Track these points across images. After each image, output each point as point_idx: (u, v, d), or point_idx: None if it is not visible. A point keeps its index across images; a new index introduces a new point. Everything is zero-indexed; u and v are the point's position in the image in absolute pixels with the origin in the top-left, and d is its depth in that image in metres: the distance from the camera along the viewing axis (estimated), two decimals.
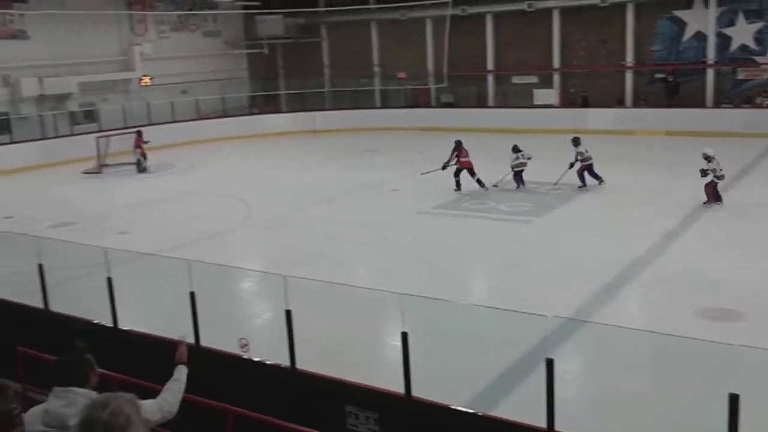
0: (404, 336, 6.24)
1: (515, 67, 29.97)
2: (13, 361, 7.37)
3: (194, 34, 32.24)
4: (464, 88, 30.95)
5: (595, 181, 17.43)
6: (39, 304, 8.48)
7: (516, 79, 30.17)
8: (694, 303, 9.73)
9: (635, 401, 7.09)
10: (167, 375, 7.22)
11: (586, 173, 17.41)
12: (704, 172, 15.00)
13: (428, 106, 31.52)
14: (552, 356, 5.61)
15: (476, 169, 17.78)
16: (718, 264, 11.42)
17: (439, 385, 7.06)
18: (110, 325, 7.93)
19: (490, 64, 30.42)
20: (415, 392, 6.30)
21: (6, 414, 3.86)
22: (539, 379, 5.67)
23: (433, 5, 29.53)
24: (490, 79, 30.61)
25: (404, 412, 6.32)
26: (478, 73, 30.57)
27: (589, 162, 17.49)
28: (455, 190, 17.68)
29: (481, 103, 30.64)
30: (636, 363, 7.31)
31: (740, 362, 5.12)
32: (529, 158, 17.87)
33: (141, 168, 22.66)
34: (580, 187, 17.25)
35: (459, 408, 6.15)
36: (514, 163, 17.99)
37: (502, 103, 30.23)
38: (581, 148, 17.60)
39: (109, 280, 7.90)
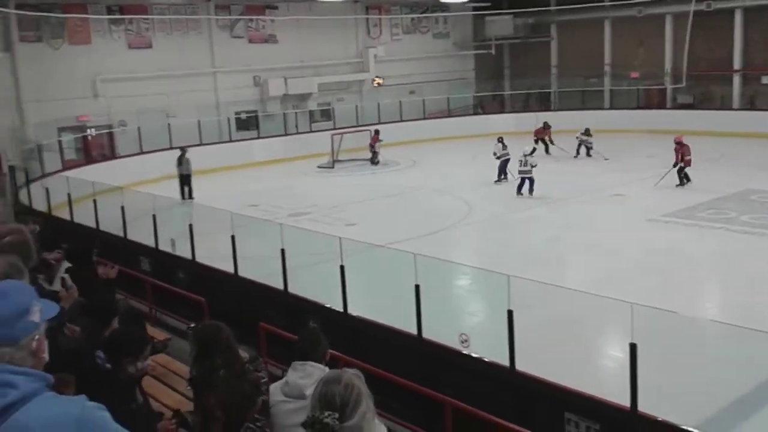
0: (633, 347, 5.96)
1: (765, 66, 27.21)
2: (257, 335, 8.13)
3: (425, 36, 33.20)
4: (705, 89, 28.75)
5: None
6: (279, 285, 9.24)
7: (766, 80, 27.40)
8: None
9: None
10: (391, 362, 7.56)
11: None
12: None
13: (662, 107, 29.69)
14: None
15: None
16: None
17: (667, 403, 6.65)
18: (340, 309, 8.43)
19: (737, 63, 27.93)
20: (643, 407, 5.99)
21: (254, 382, 4.27)
22: None
23: (675, 1, 27.73)
24: (736, 79, 28.10)
25: (629, 426, 6.04)
26: (722, 72, 28.19)
27: None
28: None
29: (724, 104, 28.24)
30: None
31: None
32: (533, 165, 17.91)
33: (375, 161, 23.92)
34: None
35: (690, 429, 5.74)
36: (500, 153, 19.48)
37: (749, 105, 27.63)
38: None
39: (342, 268, 8.40)
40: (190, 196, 19.11)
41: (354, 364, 7.05)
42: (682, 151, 18.02)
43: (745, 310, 9.99)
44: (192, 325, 5.69)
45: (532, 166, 17.77)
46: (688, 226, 14.46)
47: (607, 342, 9.00)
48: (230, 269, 10.00)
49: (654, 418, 5.90)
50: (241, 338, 9.04)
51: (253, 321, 8.32)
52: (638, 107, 30.08)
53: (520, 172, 17.98)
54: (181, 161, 19.51)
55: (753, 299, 10.41)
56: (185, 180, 19.38)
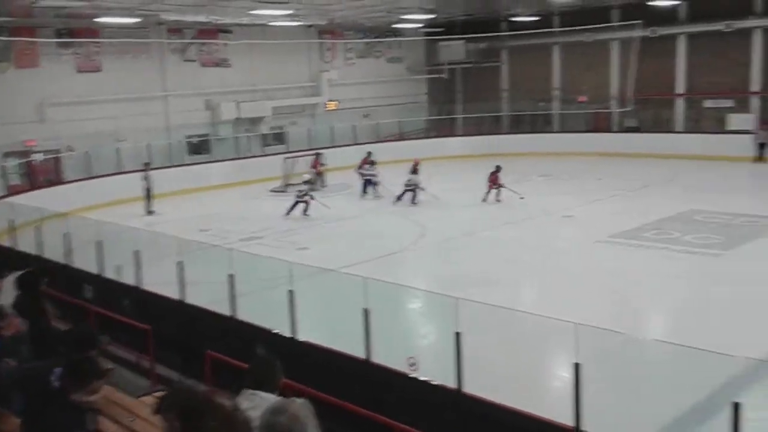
0: (576, 367, 6.05)
1: (708, 90, 28.15)
2: (203, 364, 8.01)
3: (378, 60, 33.51)
4: (650, 112, 29.57)
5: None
6: (227, 311, 9.14)
7: (708, 103, 28.32)
8: None
9: None
10: (339, 387, 7.53)
11: None
12: None
13: (609, 130, 30.43)
14: (740, 400, 5.19)
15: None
16: None
17: (611, 423, 6.75)
18: (289, 335, 8.37)
19: (680, 88, 28.82)
20: (586, 427, 6.06)
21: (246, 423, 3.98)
22: (722, 424, 5.26)
23: (621, 27, 28.55)
24: (680, 103, 28.99)
25: None
26: (666, 96, 29.07)
27: None
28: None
29: (668, 127, 29.07)
30: None
31: None
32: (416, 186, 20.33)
33: (316, 188, 23.87)
34: None
35: None
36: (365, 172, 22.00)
37: (692, 128, 28.50)
38: None
39: (291, 293, 8.35)
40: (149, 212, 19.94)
41: (302, 391, 7.00)
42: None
43: (687, 328, 10.24)
44: (159, 393, 5.20)
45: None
46: (635, 246, 14.77)
47: (554, 363, 9.09)
48: (177, 296, 9.86)
49: None
50: (186, 367, 8.93)
51: (199, 349, 8.21)
52: (587, 130, 30.77)
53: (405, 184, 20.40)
54: (145, 176, 20.32)
55: (694, 318, 10.67)
56: (147, 194, 20.32)
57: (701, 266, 13.25)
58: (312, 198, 19.54)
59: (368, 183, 22.25)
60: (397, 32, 32.96)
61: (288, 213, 19.34)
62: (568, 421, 6.11)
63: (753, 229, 15.61)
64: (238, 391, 4.03)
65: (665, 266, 13.38)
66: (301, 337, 8.37)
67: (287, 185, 24.15)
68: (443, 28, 31.96)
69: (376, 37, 32.88)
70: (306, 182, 20.22)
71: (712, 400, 6.86)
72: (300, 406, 2.41)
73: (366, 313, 7.48)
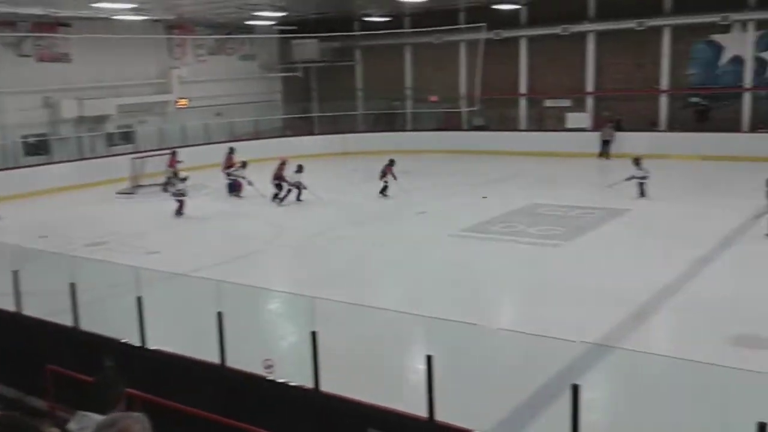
0: (429, 359, 6.21)
1: (548, 90, 29.92)
2: (43, 380, 7.50)
3: (231, 58, 32.83)
4: (496, 112, 30.98)
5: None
6: (69, 322, 8.61)
7: (549, 103, 30.10)
8: (724, 330, 9.53)
9: (662, 430, 6.94)
10: (193, 395, 7.31)
11: None
12: None
13: (460, 129, 31.60)
14: (578, 382, 5.53)
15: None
16: (750, 291, 11.18)
17: (464, 410, 6.99)
18: (138, 344, 8.02)
19: (523, 88, 30.41)
20: (439, 416, 6.25)
21: None
22: (565, 405, 5.59)
23: (468, 29, 29.67)
24: (523, 102, 30.59)
25: None
26: (511, 96, 30.58)
27: None
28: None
29: (513, 126, 30.60)
30: (664, 390, 7.16)
31: None
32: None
33: (168, 188, 23.07)
34: None
35: None
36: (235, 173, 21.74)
37: (535, 126, 30.18)
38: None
39: (139, 300, 8.00)
40: None
41: (154, 402, 6.74)
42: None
43: (532, 316, 10.83)
44: None
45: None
46: (483, 239, 15.42)
47: (409, 356, 9.31)
48: (12, 308, 9.17)
49: (450, 426, 6.18)
50: (25, 383, 8.33)
51: (38, 363, 7.68)
52: (438, 129, 31.78)
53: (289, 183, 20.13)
54: None
55: (538, 306, 11.30)
56: None
57: (544, 257, 14.04)
58: (185, 196, 18.96)
59: (235, 183, 21.73)
60: (249, 29, 32.45)
61: (179, 214, 18.75)
62: (423, 412, 6.27)
63: (590, 220, 16.74)
64: (80, 407, 3.81)
65: (512, 257, 14.07)
66: (152, 345, 8.04)
67: (136, 187, 23.15)
68: (296, 26, 31.84)
69: (227, 34, 32.19)
70: (182, 180, 19.49)
71: (555, 383, 7.28)
72: (132, 420, 2.29)
73: (219, 316, 7.30)
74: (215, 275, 9.91)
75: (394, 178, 20.50)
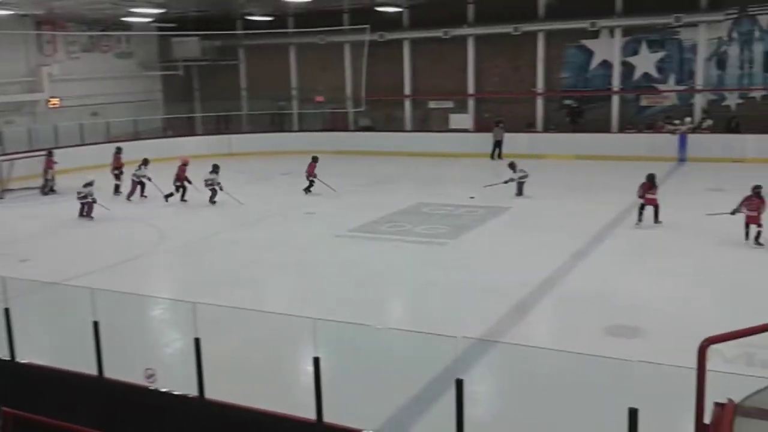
0: (316, 361, 6.20)
1: (431, 92, 30.54)
2: None
3: (106, 55, 31.48)
4: (382, 113, 31.31)
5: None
6: None
7: (432, 104, 30.74)
8: (601, 321, 10.05)
9: (543, 419, 7.23)
10: (70, 409, 6.96)
11: None
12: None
13: (346, 129, 31.72)
14: (462, 377, 5.67)
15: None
16: (623, 282, 11.85)
17: (353, 410, 7.02)
18: (7, 358, 7.54)
19: (407, 89, 30.90)
20: (328, 418, 6.24)
21: None
22: (450, 400, 5.71)
23: (352, 31, 29.82)
24: (408, 103, 31.08)
25: None
26: (396, 98, 31.00)
27: None
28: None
29: (398, 127, 31.03)
30: (544, 381, 7.47)
31: (641, 377, 5.31)
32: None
33: (46, 191, 21.89)
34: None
35: None
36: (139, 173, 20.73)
37: (419, 127, 30.73)
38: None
39: (7, 311, 7.53)
40: None
41: (28, 419, 6.35)
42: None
43: (419, 315, 11.03)
44: None
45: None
46: (371, 239, 15.55)
47: (300, 358, 9.24)
48: None
49: (339, 427, 6.18)
50: None
51: None
52: (325, 129, 31.76)
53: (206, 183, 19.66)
54: None
55: (427, 305, 11.52)
56: None
57: (430, 255, 14.31)
58: (95, 200, 18.25)
59: (136, 183, 20.79)
60: (126, 26, 31.19)
61: (87, 215, 18.18)
62: (312, 415, 6.25)
63: (473, 218, 17.21)
64: None
65: (399, 256, 14.25)
66: (23, 358, 7.58)
67: (4, 191, 21.78)
68: (176, 24, 30.93)
69: (102, 30, 30.82)
70: (87, 184, 18.40)
71: (441, 380, 7.43)
72: None
73: (95, 326, 6.98)
74: (93, 283, 9.48)
75: (315, 176, 20.64)
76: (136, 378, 7.10)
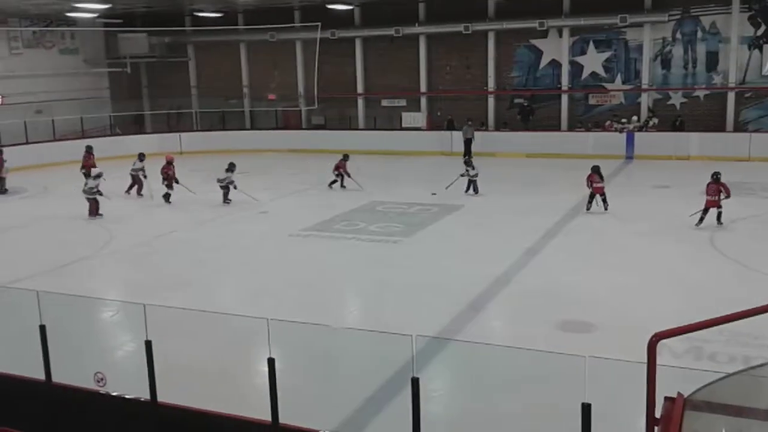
0: (271, 362, 6.14)
1: (384, 90, 30.57)
2: None
3: (50, 51, 30.70)
4: (335, 111, 31.22)
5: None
6: None
7: (385, 102, 30.78)
8: (553, 317, 10.20)
9: (498, 415, 7.31)
10: (16, 415, 6.76)
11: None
12: None
13: (299, 128, 31.54)
14: (418, 375, 5.69)
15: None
16: (575, 278, 12.05)
17: (309, 412, 6.98)
18: None
19: (360, 87, 30.86)
20: (284, 419, 6.19)
21: None
22: (407, 399, 5.72)
23: (304, 28, 29.66)
24: (360, 101, 31.05)
25: None
26: (348, 96, 30.93)
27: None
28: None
29: (351, 125, 30.98)
30: (499, 378, 7.54)
31: (593, 372, 5.39)
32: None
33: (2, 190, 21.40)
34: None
35: None
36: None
37: (372, 125, 30.73)
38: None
39: None
40: None
41: None
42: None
43: (375, 314, 11.02)
44: None
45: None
46: (325, 238, 15.48)
47: (254, 360, 9.15)
48: None
49: (294, 428, 6.14)
50: None
51: None
52: (277, 128, 31.53)
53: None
54: None
55: (380, 303, 11.52)
56: None
57: (384, 253, 14.32)
58: (100, 193, 17.96)
59: (135, 180, 20.72)
60: (71, 21, 30.44)
61: (94, 216, 17.77)
62: (267, 416, 6.19)
63: (427, 216, 17.29)
64: None
65: (354, 255, 14.23)
66: None
67: None
68: (122, 20, 30.31)
69: (46, 26, 30.03)
70: (96, 176, 18.04)
71: (397, 378, 7.43)
72: None
73: (42, 330, 6.79)
74: (40, 285, 9.21)
75: (348, 174, 20.62)
76: (85, 382, 6.94)
